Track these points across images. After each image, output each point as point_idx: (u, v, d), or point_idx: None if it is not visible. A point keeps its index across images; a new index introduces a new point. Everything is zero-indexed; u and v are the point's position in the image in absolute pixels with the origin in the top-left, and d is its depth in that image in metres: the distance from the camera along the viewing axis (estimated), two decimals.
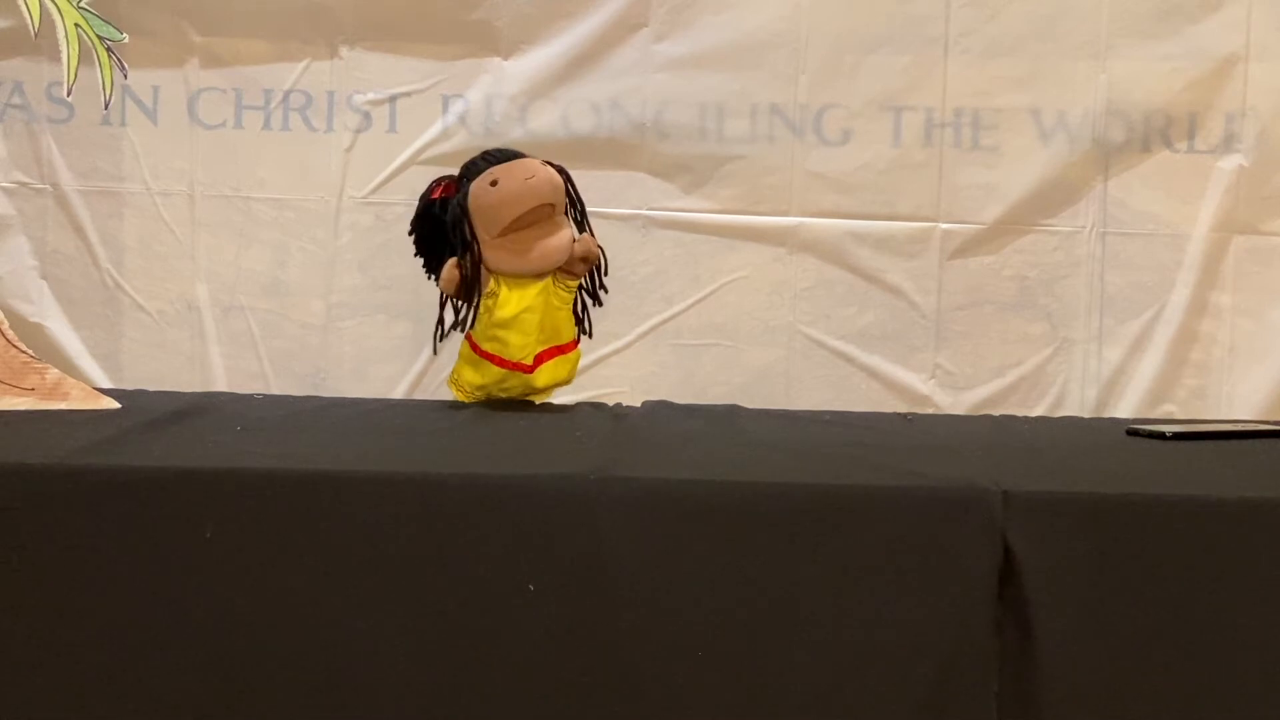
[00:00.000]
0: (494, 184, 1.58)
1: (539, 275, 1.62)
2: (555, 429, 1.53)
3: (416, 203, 1.68)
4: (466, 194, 1.61)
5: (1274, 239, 1.99)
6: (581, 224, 1.67)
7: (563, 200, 1.63)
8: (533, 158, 1.63)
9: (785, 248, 2.02)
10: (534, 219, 1.60)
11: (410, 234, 1.68)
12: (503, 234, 1.60)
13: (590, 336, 1.71)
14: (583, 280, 1.68)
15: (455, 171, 1.67)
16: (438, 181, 1.67)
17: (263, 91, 2.02)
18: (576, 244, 1.64)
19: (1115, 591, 1.16)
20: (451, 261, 1.62)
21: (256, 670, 1.17)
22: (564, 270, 1.64)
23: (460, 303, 1.65)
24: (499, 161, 1.62)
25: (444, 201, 1.64)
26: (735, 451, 1.41)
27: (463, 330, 1.65)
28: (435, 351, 1.69)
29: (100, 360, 2.03)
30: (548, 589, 1.16)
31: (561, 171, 1.63)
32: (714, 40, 1.99)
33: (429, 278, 1.69)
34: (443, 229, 1.63)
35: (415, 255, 1.69)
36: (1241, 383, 2.00)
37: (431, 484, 1.19)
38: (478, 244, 1.60)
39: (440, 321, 1.69)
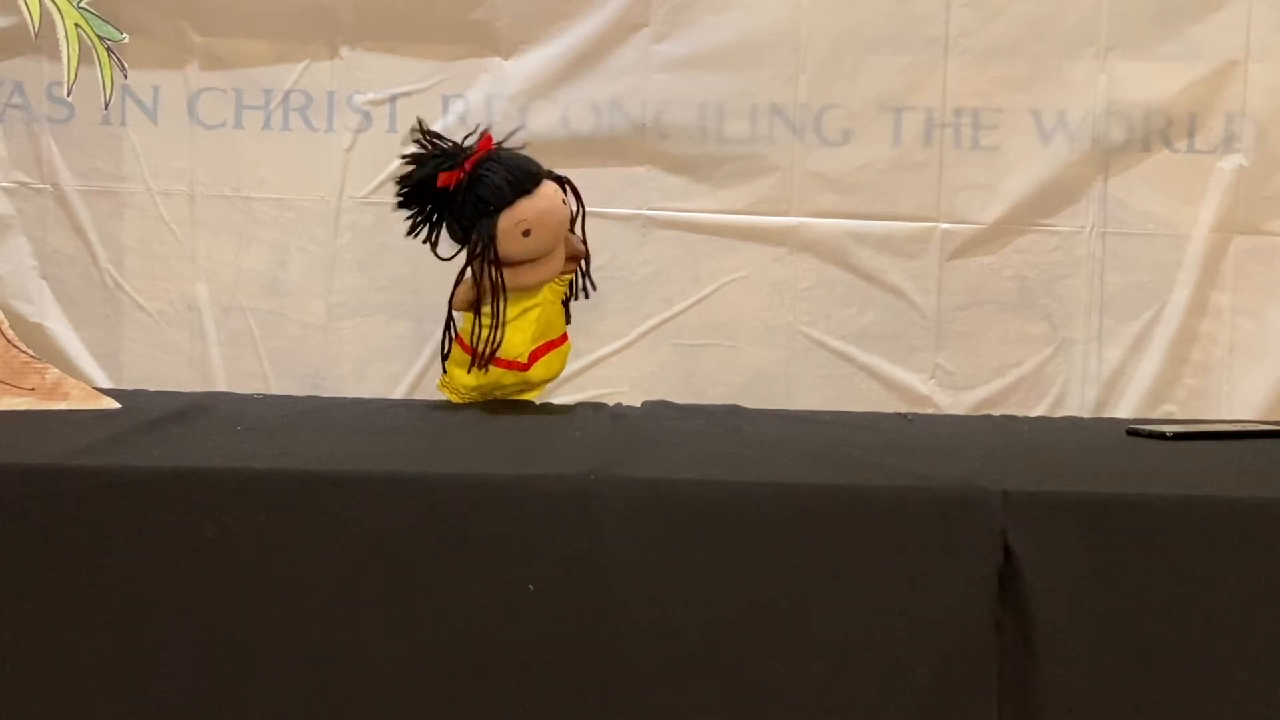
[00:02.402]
0: (526, 234, 1.59)
1: (537, 287, 1.64)
2: (555, 429, 1.53)
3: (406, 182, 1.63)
4: (494, 223, 1.58)
5: (1274, 239, 1.99)
6: (571, 226, 1.67)
7: None
8: (547, 181, 1.62)
9: (785, 248, 2.02)
10: None
11: (403, 206, 1.63)
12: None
13: (570, 321, 1.71)
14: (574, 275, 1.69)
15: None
16: (441, 164, 1.62)
17: (263, 91, 2.01)
18: (565, 247, 1.65)
19: (1115, 591, 1.16)
20: (468, 283, 1.61)
21: (256, 670, 1.17)
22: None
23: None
24: (517, 184, 1.59)
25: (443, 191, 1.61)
26: (735, 451, 1.41)
27: (492, 353, 1.62)
28: (445, 369, 1.69)
29: (100, 360, 2.03)
30: (548, 589, 1.17)
31: (566, 183, 1.64)
32: (714, 40, 1.99)
33: (423, 239, 1.64)
34: (439, 209, 1.61)
35: (406, 219, 1.63)
36: (1241, 383, 2.00)
37: (431, 484, 1.19)
38: (499, 269, 1.60)
39: (447, 334, 1.68)
